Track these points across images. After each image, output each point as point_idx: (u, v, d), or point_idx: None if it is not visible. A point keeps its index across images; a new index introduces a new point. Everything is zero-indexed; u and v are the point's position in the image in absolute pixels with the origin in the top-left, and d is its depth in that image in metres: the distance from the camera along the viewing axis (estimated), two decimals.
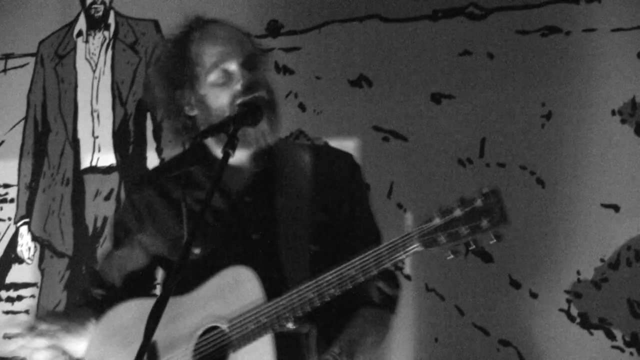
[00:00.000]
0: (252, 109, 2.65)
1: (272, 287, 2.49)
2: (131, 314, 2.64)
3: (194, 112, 2.76)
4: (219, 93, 2.70)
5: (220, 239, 2.67)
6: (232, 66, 2.71)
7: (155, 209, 2.83)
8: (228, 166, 2.60)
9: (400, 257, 2.35)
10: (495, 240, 2.29)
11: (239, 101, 2.66)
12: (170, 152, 4.85)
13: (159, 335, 2.47)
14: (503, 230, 2.29)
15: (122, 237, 2.92)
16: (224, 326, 2.49)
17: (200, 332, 2.53)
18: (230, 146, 2.50)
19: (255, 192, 2.76)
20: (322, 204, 2.76)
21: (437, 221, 2.31)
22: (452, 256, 2.34)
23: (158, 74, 2.84)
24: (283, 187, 2.75)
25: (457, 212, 2.29)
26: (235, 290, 2.49)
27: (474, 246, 2.31)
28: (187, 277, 2.33)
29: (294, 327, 2.45)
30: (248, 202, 2.74)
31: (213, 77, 2.71)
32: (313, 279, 2.42)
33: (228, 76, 2.71)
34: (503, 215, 2.26)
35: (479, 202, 2.27)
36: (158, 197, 2.84)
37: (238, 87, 2.69)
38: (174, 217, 2.74)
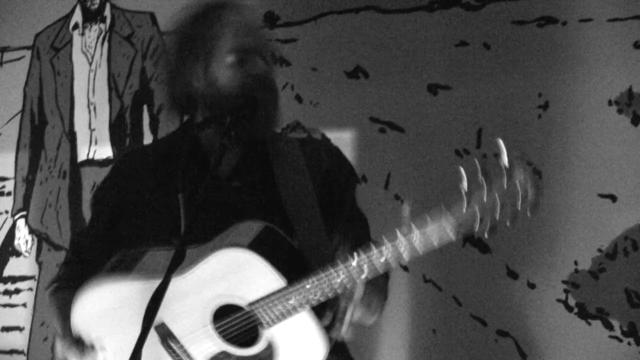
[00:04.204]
0: (250, 103, 2.65)
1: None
2: (115, 295, 2.60)
3: (200, 88, 2.76)
4: (232, 75, 2.70)
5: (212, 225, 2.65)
6: (251, 53, 2.72)
7: (143, 191, 2.81)
8: (212, 151, 2.65)
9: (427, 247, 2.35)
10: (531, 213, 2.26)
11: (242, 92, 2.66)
12: None
13: (165, 316, 2.47)
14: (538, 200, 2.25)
15: (105, 212, 2.91)
16: (244, 305, 2.48)
17: (212, 310, 2.51)
18: (227, 138, 2.50)
19: (244, 176, 2.75)
20: (313, 189, 2.76)
21: (465, 205, 2.29)
22: (487, 235, 2.30)
23: (174, 44, 2.84)
24: (275, 172, 2.75)
25: (484, 195, 2.27)
26: (239, 272, 2.47)
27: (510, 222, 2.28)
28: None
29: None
30: (237, 186, 2.74)
31: (231, 59, 2.71)
32: (341, 263, 2.40)
33: (245, 61, 2.71)
34: (536, 188, 2.24)
35: (505, 182, 2.25)
36: (147, 180, 2.82)
37: (252, 73, 2.69)
38: (166, 205, 2.71)
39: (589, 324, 3.96)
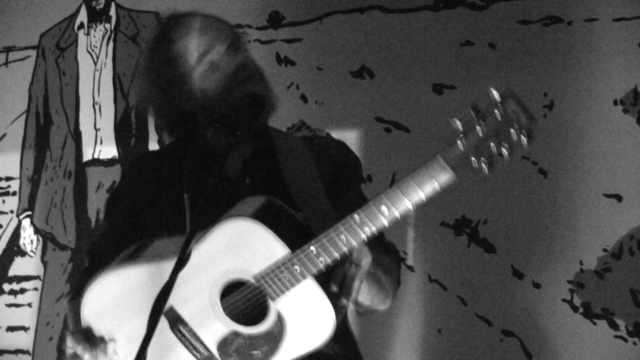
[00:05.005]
0: (255, 101, 2.64)
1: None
2: (122, 283, 2.60)
3: (191, 107, 2.75)
4: (212, 83, 2.69)
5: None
6: (218, 54, 2.70)
7: (152, 195, 2.81)
8: (218, 150, 2.64)
9: (430, 190, 2.28)
10: (527, 141, 2.19)
11: (238, 91, 2.65)
12: None
13: (172, 300, 2.42)
14: (532, 127, 2.18)
15: (118, 218, 2.91)
16: (250, 279, 2.46)
17: (220, 288, 2.51)
18: (233, 137, 2.50)
19: (254, 173, 2.75)
20: (322, 183, 2.75)
21: (461, 144, 2.22)
22: (487, 171, 2.26)
23: (144, 82, 2.83)
24: (282, 166, 2.75)
25: (480, 130, 2.20)
26: (245, 244, 2.44)
27: (508, 153, 2.20)
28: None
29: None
30: (249, 184, 2.73)
31: (201, 69, 2.70)
32: (339, 221, 2.36)
33: (217, 64, 2.70)
34: (529, 116, 2.17)
35: (498, 113, 2.19)
36: (156, 183, 2.82)
37: (228, 71, 2.68)
38: (173, 206, 2.72)
39: (594, 323, 3.96)
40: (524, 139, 2.19)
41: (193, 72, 2.70)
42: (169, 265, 2.34)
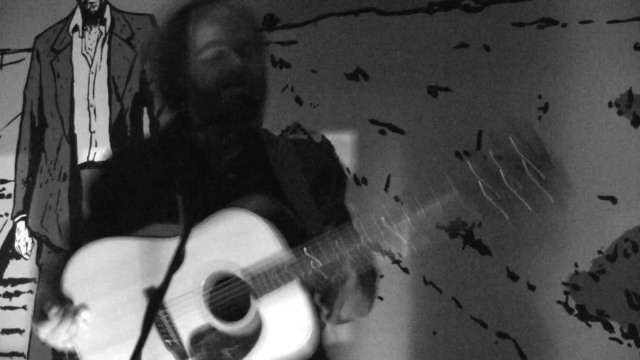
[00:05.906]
0: (249, 105, 2.64)
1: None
2: (110, 254, 2.57)
3: (185, 90, 2.72)
4: (207, 71, 2.66)
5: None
6: (225, 48, 2.68)
7: (140, 192, 2.78)
8: (210, 151, 2.64)
9: (435, 214, 2.29)
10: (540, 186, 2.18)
11: (230, 91, 2.63)
12: None
13: (157, 281, 2.34)
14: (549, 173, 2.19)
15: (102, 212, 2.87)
16: (238, 273, 2.43)
17: (206, 278, 2.49)
18: (225, 139, 2.49)
19: (239, 169, 2.73)
20: (306, 182, 2.74)
21: (482, 187, 2.22)
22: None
23: (155, 52, 2.81)
24: (274, 168, 2.73)
25: (501, 172, 2.20)
26: (242, 236, 2.42)
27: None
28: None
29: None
30: (232, 178, 2.71)
31: (204, 55, 2.67)
32: (338, 228, 2.36)
33: (219, 57, 2.67)
34: (548, 163, 2.17)
35: (523, 159, 2.17)
36: (146, 181, 2.79)
37: (226, 70, 2.65)
38: (164, 207, 2.69)
39: (589, 325, 3.96)
40: (541, 188, 2.19)
41: (197, 56, 2.67)
42: (161, 246, 2.34)
